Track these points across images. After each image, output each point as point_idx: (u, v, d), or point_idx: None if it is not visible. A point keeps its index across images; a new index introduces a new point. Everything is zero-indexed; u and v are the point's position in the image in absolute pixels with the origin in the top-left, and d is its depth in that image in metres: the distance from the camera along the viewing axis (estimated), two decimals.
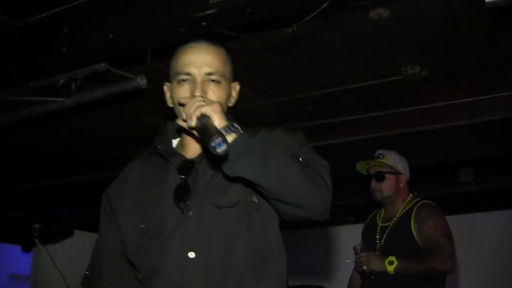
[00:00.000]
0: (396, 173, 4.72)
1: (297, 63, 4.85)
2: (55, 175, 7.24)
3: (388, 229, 4.60)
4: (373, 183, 4.72)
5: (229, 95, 2.44)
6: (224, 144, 1.95)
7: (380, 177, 4.69)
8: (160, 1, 3.24)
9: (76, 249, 8.97)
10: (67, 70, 3.78)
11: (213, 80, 2.34)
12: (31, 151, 6.75)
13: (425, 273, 4.38)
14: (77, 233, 8.97)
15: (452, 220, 8.29)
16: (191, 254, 2.20)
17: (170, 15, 3.22)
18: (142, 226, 2.30)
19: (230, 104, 2.47)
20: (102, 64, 3.64)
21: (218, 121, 2.07)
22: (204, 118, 2.08)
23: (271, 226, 2.31)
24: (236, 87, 2.51)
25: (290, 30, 3.55)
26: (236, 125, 2.09)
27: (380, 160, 4.73)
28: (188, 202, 2.24)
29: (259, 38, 4.30)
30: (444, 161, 6.16)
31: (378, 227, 4.67)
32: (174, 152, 2.40)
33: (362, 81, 5.24)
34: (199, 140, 2.29)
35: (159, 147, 2.39)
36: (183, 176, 2.29)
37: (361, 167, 4.85)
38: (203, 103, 2.12)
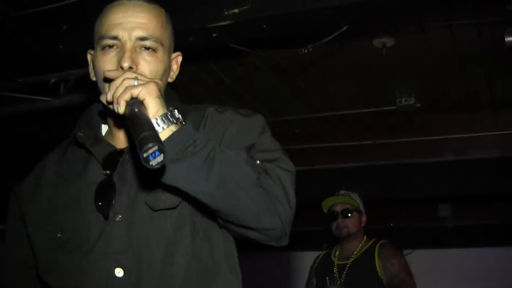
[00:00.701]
0: (360, 212, 4.76)
1: (293, 84, 4.75)
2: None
3: (348, 266, 4.62)
4: (340, 219, 4.68)
5: (167, 68, 1.86)
6: (161, 154, 1.42)
7: (348, 213, 4.68)
8: (169, 7, 3.08)
9: None
10: (61, 68, 3.59)
11: (147, 48, 1.76)
12: (11, 151, 6.54)
13: None
14: None
15: (426, 254, 8.37)
16: (119, 271, 1.69)
17: (180, 22, 3.04)
18: (59, 235, 1.77)
19: (170, 80, 1.91)
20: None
21: (154, 108, 1.57)
22: (135, 104, 1.55)
23: (221, 236, 1.79)
24: (177, 58, 1.93)
25: (306, 50, 3.41)
26: (176, 113, 1.61)
27: (349, 197, 4.73)
28: (113, 203, 1.72)
29: (259, 56, 4.14)
30: (425, 195, 6.10)
31: (335, 265, 4.68)
32: (99, 140, 1.85)
33: (355, 108, 5.15)
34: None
35: (80, 134, 1.86)
36: (108, 172, 1.76)
37: (328, 202, 4.80)
38: (135, 82, 1.59)
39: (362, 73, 4.62)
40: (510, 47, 3.30)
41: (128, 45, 1.74)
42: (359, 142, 5.53)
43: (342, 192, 4.79)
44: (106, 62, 1.74)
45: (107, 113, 1.85)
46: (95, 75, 1.82)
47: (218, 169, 1.56)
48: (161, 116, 1.57)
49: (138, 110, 1.53)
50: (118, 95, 1.56)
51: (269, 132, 1.82)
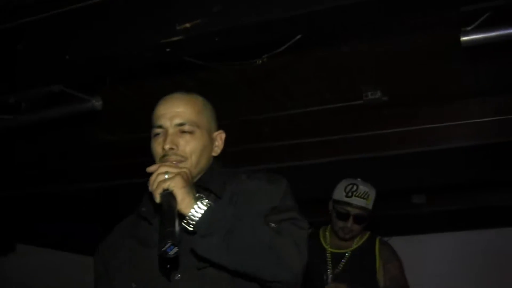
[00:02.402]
0: (371, 216, 4.53)
1: (258, 85, 4.77)
2: None
3: (346, 257, 4.43)
4: (350, 223, 4.39)
5: (208, 145, 2.32)
6: (174, 248, 1.91)
7: (361, 220, 4.44)
8: (124, 24, 3.09)
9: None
10: (18, 89, 3.59)
11: (185, 131, 2.25)
12: None
13: None
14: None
15: (403, 241, 8.44)
16: None
17: (134, 40, 3.07)
18: (134, 286, 2.22)
19: (214, 154, 2.37)
20: (56, 86, 3.47)
21: (180, 197, 2.01)
22: (166, 196, 2.03)
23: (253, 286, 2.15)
24: (221, 135, 2.41)
25: (260, 61, 3.43)
26: (203, 198, 2.05)
27: (366, 200, 4.45)
28: (170, 267, 2.15)
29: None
30: (398, 187, 6.12)
31: (328, 253, 4.46)
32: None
33: (322, 104, 5.16)
34: None
35: (143, 209, 2.32)
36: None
37: (351, 199, 4.46)
38: (166, 176, 2.05)
39: (327, 70, 4.62)
40: (465, 46, 3.32)
41: (170, 130, 2.24)
42: (327, 137, 5.53)
43: (362, 190, 4.51)
44: (156, 147, 2.26)
45: None
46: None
47: (236, 241, 1.99)
48: (193, 206, 2.01)
49: (168, 203, 2.00)
50: (154, 189, 2.04)
51: (289, 195, 2.23)
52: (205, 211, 2.01)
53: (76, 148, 6.14)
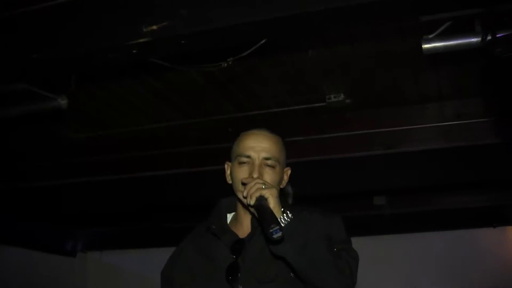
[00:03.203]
0: None
1: (223, 87, 4.80)
2: None
3: None
4: None
5: (281, 178, 2.73)
6: (280, 232, 2.27)
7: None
8: (90, 25, 3.09)
9: None
10: None
11: (269, 165, 2.66)
12: None
13: None
14: None
15: (365, 241, 8.51)
16: None
17: (100, 41, 3.06)
18: None
19: (281, 186, 2.75)
20: (21, 84, 3.48)
21: (273, 204, 2.39)
22: (262, 200, 2.41)
23: None
24: (288, 171, 2.82)
25: (225, 64, 3.48)
26: (287, 211, 2.42)
27: None
28: (238, 278, 2.54)
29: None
30: (360, 189, 6.19)
31: None
32: (227, 231, 2.73)
33: (285, 106, 5.20)
34: (252, 215, 2.58)
35: (213, 226, 2.72)
36: (234, 256, 2.61)
37: None
38: (263, 186, 2.45)
39: (290, 73, 4.67)
40: (427, 53, 3.39)
41: (257, 162, 2.65)
42: (291, 138, 5.58)
43: None
44: (242, 172, 2.64)
45: (239, 205, 2.77)
46: (232, 179, 2.74)
47: (310, 251, 2.37)
48: (281, 212, 2.40)
49: (264, 204, 2.38)
50: (252, 192, 2.43)
51: (344, 229, 2.66)
52: (291, 220, 2.39)
53: (41, 146, 6.12)
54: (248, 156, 2.67)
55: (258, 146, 2.69)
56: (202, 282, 2.64)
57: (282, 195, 2.66)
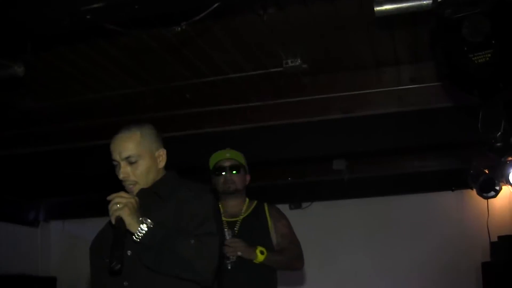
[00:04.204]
0: (246, 171, 4.81)
1: (178, 52, 4.78)
2: None
3: (238, 223, 4.67)
4: (228, 174, 4.69)
5: (152, 165, 3.05)
6: (119, 264, 2.62)
7: (236, 168, 4.71)
8: None
9: None
10: None
11: (132, 162, 2.99)
12: None
13: (283, 266, 4.68)
14: None
15: (324, 206, 8.63)
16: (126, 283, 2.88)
17: (54, 6, 3.06)
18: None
19: (159, 167, 3.11)
20: None
21: (128, 221, 2.75)
22: (118, 221, 2.75)
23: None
24: (161, 152, 3.12)
25: (179, 29, 3.47)
26: (147, 221, 2.77)
27: (237, 153, 4.78)
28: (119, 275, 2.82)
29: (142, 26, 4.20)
30: (319, 153, 6.24)
31: (225, 222, 4.60)
32: None
33: (242, 71, 5.22)
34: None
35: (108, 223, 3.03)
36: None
37: (216, 157, 4.78)
38: (117, 206, 2.78)
39: (246, 38, 4.66)
40: (379, 16, 3.41)
41: (121, 163, 3.00)
42: (248, 104, 5.62)
43: (229, 150, 4.80)
44: (117, 174, 3.02)
45: None
46: None
47: (165, 255, 2.73)
48: (137, 228, 2.75)
49: (119, 227, 2.74)
50: (110, 215, 2.79)
51: (210, 209, 2.97)
52: (145, 232, 2.75)
53: None
54: (114, 159, 3.02)
55: (117, 149, 3.01)
56: (102, 254, 2.93)
57: (165, 176, 3.13)
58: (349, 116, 5.51)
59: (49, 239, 9.89)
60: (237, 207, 4.74)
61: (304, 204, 8.81)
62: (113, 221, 2.77)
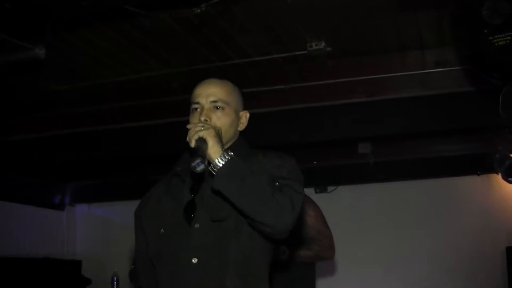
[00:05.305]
0: None
1: (201, 34, 4.77)
2: None
3: None
4: None
5: (234, 120, 2.86)
6: (202, 164, 2.45)
7: None
8: None
9: None
10: None
11: (217, 107, 2.79)
12: None
13: (312, 259, 4.71)
14: None
15: (350, 190, 8.61)
16: (194, 260, 2.66)
17: None
18: (162, 231, 2.76)
19: (239, 129, 2.92)
20: None
21: (212, 143, 2.56)
22: (200, 141, 2.55)
23: (257, 236, 2.69)
24: (245, 114, 2.96)
25: (199, 10, 3.46)
26: (229, 151, 2.60)
27: None
28: (194, 216, 2.70)
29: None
30: (344, 137, 6.21)
31: None
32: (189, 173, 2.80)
33: (267, 54, 5.20)
34: None
35: (179, 168, 2.85)
36: (192, 195, 2.75)
37: None
38: (202, 128, 2.61)
39: (270, 20, 4.64)
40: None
41: (206, 106, 2.79)
42: (272, 87, 5.60)
43: None
44: (193, 118, 2.79)
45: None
46: None
47: (247, 185, 2.52)
48: (216, 150, 2.55)
49: (201, 145, 2.52)
50: (191, 135, 2.58)
51: (295, 169, 2.78)
52: (228, 159, 2.55)
53: (22, 99, 6.12)
54: (198, 103, 2.81)
55: (205, 92, 2.82)
56: (166, 220, 2.78)
57: (241, 142, 2.93)
58: (373, 100, 5.48)
59: (74, 222, 9.97)
60: None
61: (329, 188, 8.81)
62: (193, 144, 2.57)
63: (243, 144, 2.94)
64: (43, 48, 3.82)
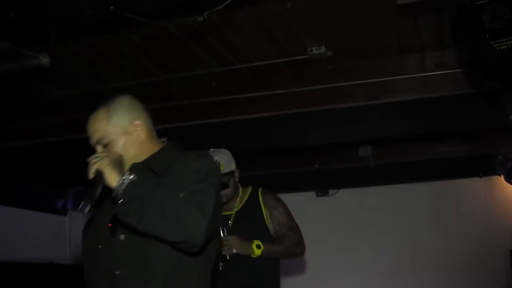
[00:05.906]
0: (233, 174, 4.72)
1: (202, 40, 4.81)
2: None
3: (232, 217, 4.66)
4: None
5: (126, 141, 2.86)
6: (87, 205, 2.58)
7: (226, 184, 4.60)
8: None
9: None
10: None
11: (104, 144, 2.83)
12: None
13: (284, 255, 4.66)
14: None
15: (352, 193, 8.62)
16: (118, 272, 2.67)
17: None
18: (87, 243, 2.92)
19: (140, 140, 2.90)
20: (4, 43, 3.50)
21: (107, 173, 2.59)
22: (97, 173, 2.62)
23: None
24: (136, 124, 2.90)
25: (201, 18, 3.49)
26: (129, 175, 2.58)
27: (223, 161, 4.62)
28: (117, 228, 2.75)
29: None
30: (344, 140, 6.23)
31: None
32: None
33: (267, 59, 5.23)
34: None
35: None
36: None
37: None
38: (96, 159, 2.66)
39: (270, 25, 4.67)
40: (401, 4, 3.41)
41: (96, 147, 2.85)
42: (273, 91, 5.62)
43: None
44: None
45: None
46: None
47: (147, 207, 2.48)
48: (117, 182, 2.56)
49: (95, 179, 2.62)
50: (89, 169, 2.65)
51: (210, 171, 2.73)
52: (127, 185, 2.54)
53: (25, 105, 6.15)
54: (91, 144, 2.88)
55: (88, 133, 2.89)
56: (93, 232, 2.92)
57: (166, 147, 2.99)
58: (374, 103, 5.49)
59: (78, 227, 9.97)
60: (231, 202, 4.70)
61: (330, 192, 8.83)
62: (91, 176, 2.64)
63: (167, 152, 2.95)
64: (47, 56, 3.86)
